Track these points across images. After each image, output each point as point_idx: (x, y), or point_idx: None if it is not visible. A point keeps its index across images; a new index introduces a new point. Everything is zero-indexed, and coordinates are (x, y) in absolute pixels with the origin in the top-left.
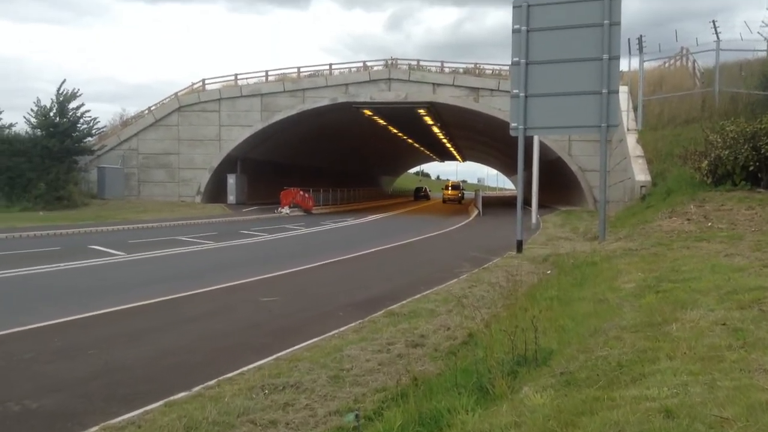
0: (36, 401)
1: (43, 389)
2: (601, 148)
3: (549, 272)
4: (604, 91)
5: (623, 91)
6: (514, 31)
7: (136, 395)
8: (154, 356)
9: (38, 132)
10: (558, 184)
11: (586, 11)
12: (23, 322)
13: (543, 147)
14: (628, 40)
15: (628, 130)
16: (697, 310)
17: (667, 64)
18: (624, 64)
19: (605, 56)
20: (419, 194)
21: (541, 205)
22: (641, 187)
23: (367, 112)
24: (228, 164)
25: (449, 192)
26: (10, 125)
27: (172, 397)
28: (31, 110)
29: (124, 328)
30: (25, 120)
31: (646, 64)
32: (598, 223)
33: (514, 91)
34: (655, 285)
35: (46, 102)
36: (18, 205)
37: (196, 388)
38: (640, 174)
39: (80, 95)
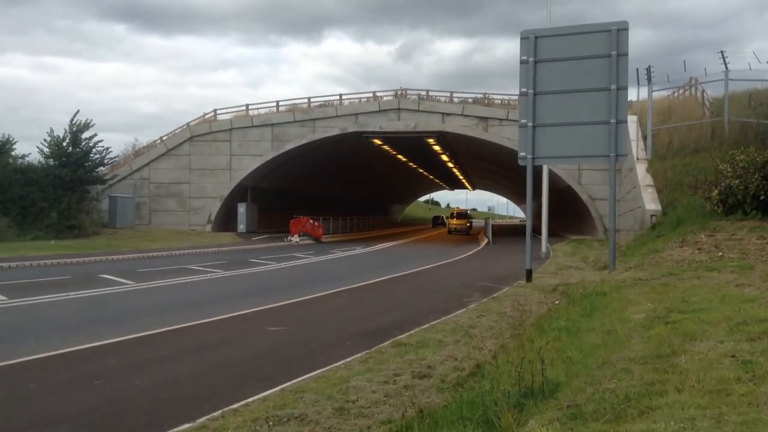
0: None
1: (47, 420)
2: (611, 178)
3: (558, 302)
4: (613, 121)
5: (632, 120)
6: (522, 62)
7: (140, 426)
8: (160, 386)
9: (51, 162)
10: (568, 213)
11: (594, 42)
12: (30, 351)
13: (552, 176)
14: (637, 69)
15: (637, 159)
16: (706, 341)
17: (676, 94)
18: (633, 94)
19: (613, 87)
20: (437, 222)
21: (552, 234)
22: (651, 216)
23: (377, 142)
24: (238, 193)
25: (455, 221)
26: (24, 155)
27: (175, 429)
28: (45, 140)
29: (131, 358)
30: (38, 150)
31: (655, 94)
32: (608, 253)
33: (523, 120)
34: (664, 316)
35: (60, 132)
36: (30, 234)
37: (200, 420)
38: (651, 203)
39: (93, 125)
